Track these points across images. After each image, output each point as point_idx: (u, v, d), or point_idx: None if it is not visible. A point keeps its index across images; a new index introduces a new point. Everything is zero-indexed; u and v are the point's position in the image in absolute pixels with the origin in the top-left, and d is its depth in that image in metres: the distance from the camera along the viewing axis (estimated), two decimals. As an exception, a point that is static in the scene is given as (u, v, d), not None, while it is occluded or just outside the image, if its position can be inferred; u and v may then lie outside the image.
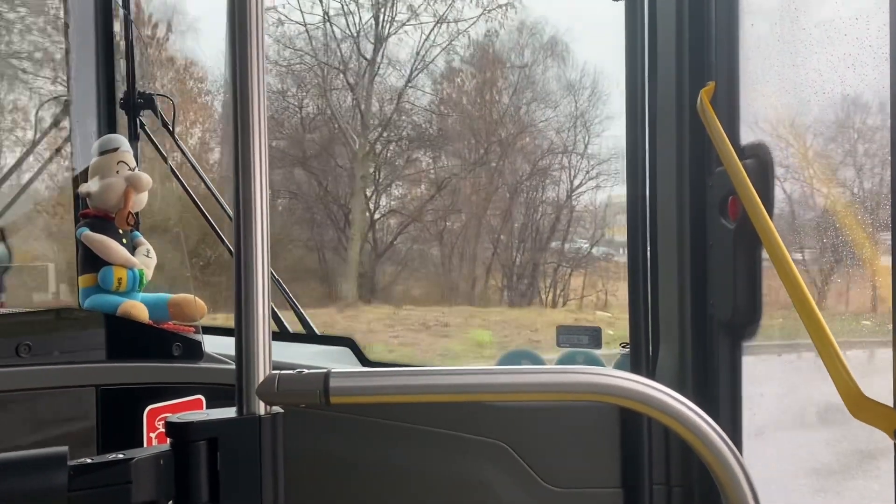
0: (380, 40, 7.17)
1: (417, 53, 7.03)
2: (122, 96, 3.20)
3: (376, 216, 7.52)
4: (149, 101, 3.17)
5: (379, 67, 7.25)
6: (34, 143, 3.46)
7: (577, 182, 6.91)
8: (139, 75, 3.21)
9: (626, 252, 1.97)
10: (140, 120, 3.19)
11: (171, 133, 3.10)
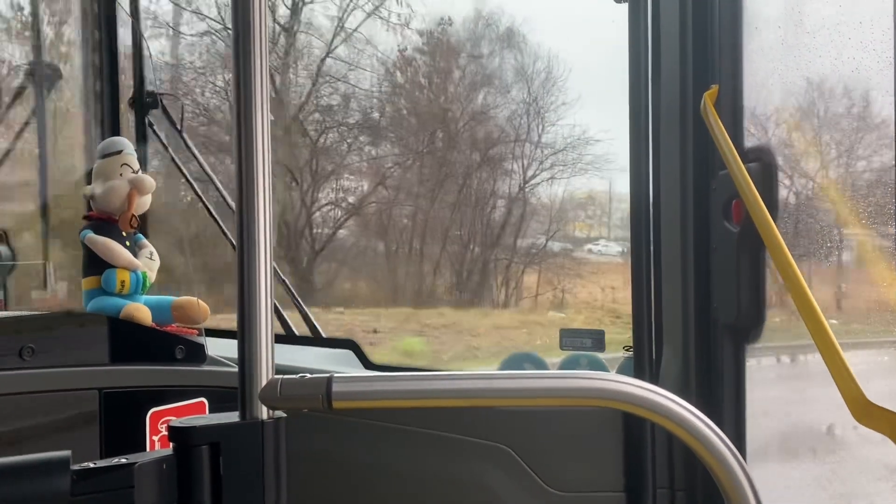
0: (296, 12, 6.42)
1: (339, 19, 6.36)
2: (131, 96, 3.19)
3: (313, 210, 6.75)
4: (157, 101, 3.15)
5: (296, 35, 6.44)
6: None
7: (530, 173, 6.39)
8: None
9: (630, 255, 1.97)
10: (149, 119, 3.18)
11: (180, 132, 3.08)
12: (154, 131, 3.18)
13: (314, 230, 6.70)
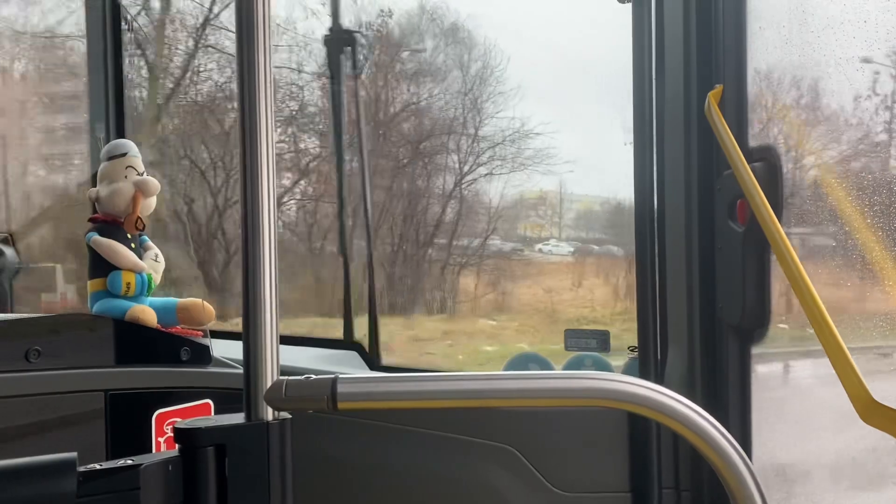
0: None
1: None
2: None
3: (225, 209, 6.05)
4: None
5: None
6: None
7: (466, 168, 5.80)
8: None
9: (635, 255, 1.97)
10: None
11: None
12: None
13: (226, 230, 6.08)
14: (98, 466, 1.09)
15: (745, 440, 1.78)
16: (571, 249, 5.47)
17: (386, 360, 2.65)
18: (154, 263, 2.49)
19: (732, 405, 1.81)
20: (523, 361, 2.60)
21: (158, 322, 2.36)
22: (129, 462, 1.11)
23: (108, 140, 3.11)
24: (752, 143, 1.76)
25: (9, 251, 3.40)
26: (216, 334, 2.41)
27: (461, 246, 5.99)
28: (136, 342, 2.22)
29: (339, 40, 3.24)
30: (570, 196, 5.59)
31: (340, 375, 1.14)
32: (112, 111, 3.27)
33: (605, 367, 2.29)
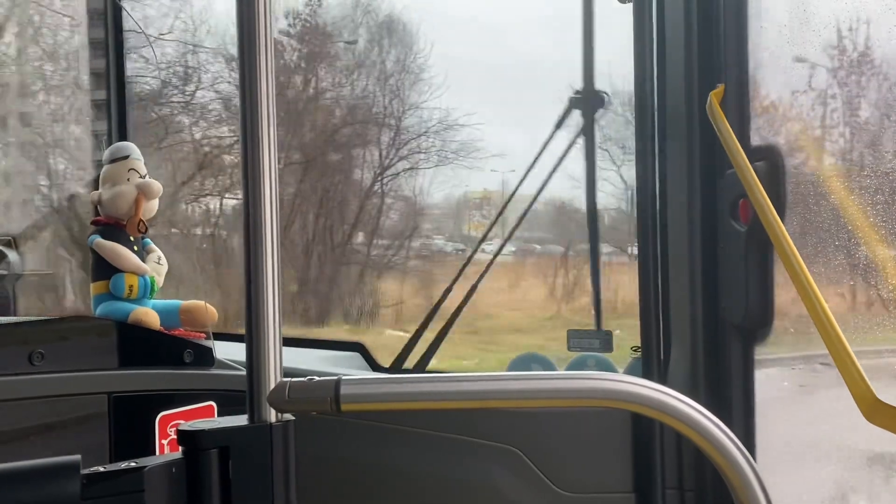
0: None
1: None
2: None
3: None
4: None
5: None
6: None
7: (387, 162, 5.28)
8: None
9: (637, 255, 1.97)
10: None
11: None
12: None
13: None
14: (102, 469, 1.09)
15: (748, 439, 1.78)
16: (514, 249, 5.03)
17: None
18: (157, 266, 2.50)
19: (736, 404, 1.81)
20: (526, 362, 2.59)
21: (161, 324, 2.36)
22: (133, 464, 1.11)
23: (110, 143, 3.12)
24: (755, 142, 1.76)
25: (12, 254, 3.40)
26: (218, 336, 2.41)
27: (382, 245, 5.39)
28: (139, 344, 2.22)
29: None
30: (516, 196, 5.34)
31: (343, 377, 1.14)
32: (114, 114, 3.28)
33: (609, 368, 2.28)
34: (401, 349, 2.47)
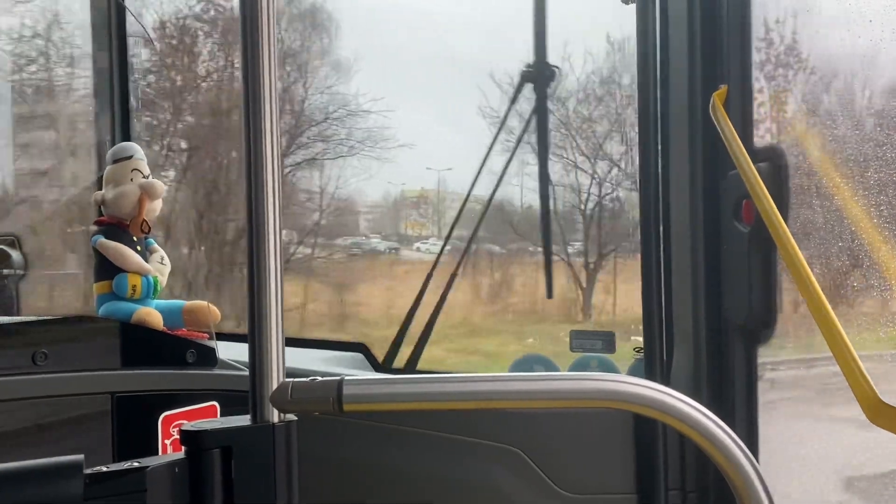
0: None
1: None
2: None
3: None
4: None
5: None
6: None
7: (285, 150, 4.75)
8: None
9: (640, 256, 1.97)
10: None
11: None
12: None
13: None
14: (104, 469, 1.10)
15: (751, 440, 1.78)
16: (449, 248, 4.93)
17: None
18: (160, 266, 2.50)
19: (738, 405, 1.80)
20: (528, 363, 2.59)
21: (164, 324, 2.36)
22: (136, 464, 1.11)
23: (113, 143, 3.12)
24: (758, 143, 1.76)
25: (15, 254, 3.41)
26: (221, 336, 2.41)
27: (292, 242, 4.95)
28: (142, 344, 2.22)
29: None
30: (450, 195, 4.96)
31: (346, 377, 1.14)
32: (118, 115, 3.28)
33: (611, 369, 2.28)
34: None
